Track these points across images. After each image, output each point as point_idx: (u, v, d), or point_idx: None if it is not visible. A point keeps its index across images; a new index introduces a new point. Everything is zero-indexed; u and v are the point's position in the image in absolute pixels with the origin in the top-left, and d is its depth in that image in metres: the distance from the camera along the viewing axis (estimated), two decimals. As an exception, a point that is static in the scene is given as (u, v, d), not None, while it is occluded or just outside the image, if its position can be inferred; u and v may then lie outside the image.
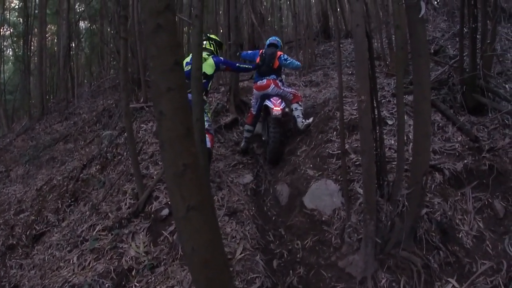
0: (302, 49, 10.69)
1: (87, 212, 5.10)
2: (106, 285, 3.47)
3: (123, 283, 3.48)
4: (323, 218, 3.90)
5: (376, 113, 3.47)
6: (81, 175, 6.58)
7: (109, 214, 4.54)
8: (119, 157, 6.39)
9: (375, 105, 3.42)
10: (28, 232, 5.84)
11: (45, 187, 7.13)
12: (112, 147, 6.86)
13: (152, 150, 5.65)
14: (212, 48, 5.35)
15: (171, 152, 1.57)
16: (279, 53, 5.86)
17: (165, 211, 4.10)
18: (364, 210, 3.14)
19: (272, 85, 5.65)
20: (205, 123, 4.72)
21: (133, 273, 3.55)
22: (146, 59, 7.88)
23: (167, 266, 3.49)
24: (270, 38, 6.39)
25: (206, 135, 4.64)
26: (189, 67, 4.92)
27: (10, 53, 21.82)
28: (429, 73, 3.14)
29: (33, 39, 16.70)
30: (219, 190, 4.59)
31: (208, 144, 4.69)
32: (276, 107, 5.28)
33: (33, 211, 6.44)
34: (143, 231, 4.04)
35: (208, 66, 5.08)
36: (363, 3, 2.96)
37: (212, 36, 5.53)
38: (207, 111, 4.99)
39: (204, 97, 5.01)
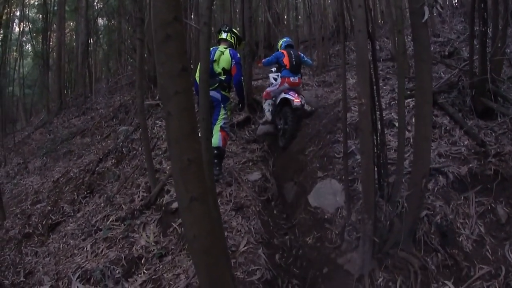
0: (316, 48, 10.77)
1: (102, 204, 5.30)
2: (117, 271, 3.67)
3: (133, 270, 3.68)
4: (326, 216, 4.05)
5: (378, 115, 3.58)
6: (97, 168, 6.80)
7: (123, 205, 4.76)
8: (134, 152, 6.61)
9: (377, 107, 3.52)
10: (44, 222, 6.01)
11: (61, 179, 7.35)
12: (127, 142, 7.08)
13: (166, 146, 5.85)
14: (232, 41, 5.25)
15: (177, 148, 1.73)
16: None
17: (175, 204, 4.27)
18: (363, 209, 3.25)
19: (301, 84, 6.63)
20: (222, 121, 4.89)
21: (142, 261, 3.74)
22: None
23: (175, 255, 3.68)
24: (285, 39, 6.90)
25: (220, 133, 4.80)
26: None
27: (29, 49, 22.27)
28: (431, 78, 3.22)
29: (52, 35, 17.02)
30: (228, 186, 4.75)
31: (220, 143, 4.79)
32: (296, 99, 5.96)
33: (49, 201, 6.63)
34: (153, 222, 4.24)
35: (226, 62, 4.95)
36: (364, 9, 3.06)
37: (234, 30, 5.46)
38: (227, 109, 5.04)
39: (227, 93, 5.04)
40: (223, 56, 4.98)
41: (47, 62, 16.24)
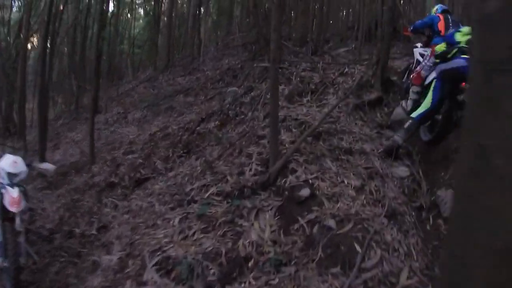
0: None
1: (199, 168, 4.45)
2: (211, 271, 2.55)
3: (234, 274, 2.53)
4: None
5: None
6: (197, 128, 6.10)
7: (228, 177, 3.62)
8: (242, 116, 5.69)
9: None
10: (132, 174, 5.57)
11: (159, 133, 6.92)
12: (235, 105, 6.22)
13: (284, 114, 4.66)
14: None
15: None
16: None
17: (305, 191, 2.97)
18: None
19: None
20: None
21: (250, 264, 2.56)
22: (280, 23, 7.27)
23: (299, 267, 2.44)
24: (441, 5, 5.90)
25: None
26: None
27: (141, 11, 23.95)
28: None
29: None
30: (370, 179, 3.44)
31: None
32: None
33: (142, 154, 6.25)
34: (271, 209, 3.02)
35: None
36: None
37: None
38: None
39: None
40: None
41: (158, 24, 16.89)
